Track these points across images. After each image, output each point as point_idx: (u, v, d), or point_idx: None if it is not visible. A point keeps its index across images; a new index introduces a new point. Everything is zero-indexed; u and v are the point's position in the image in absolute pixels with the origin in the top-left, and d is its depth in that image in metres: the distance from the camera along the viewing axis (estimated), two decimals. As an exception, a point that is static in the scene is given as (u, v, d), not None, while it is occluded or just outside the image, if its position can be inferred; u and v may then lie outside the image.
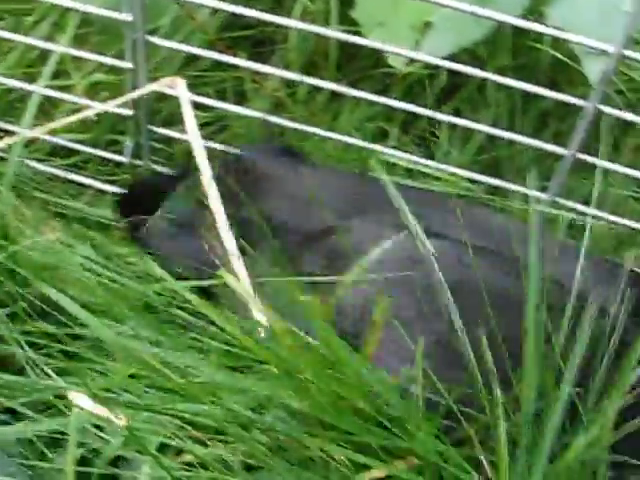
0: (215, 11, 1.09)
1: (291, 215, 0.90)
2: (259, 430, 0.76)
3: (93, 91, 1.07)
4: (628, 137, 1.17)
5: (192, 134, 0.94)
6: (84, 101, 1.03)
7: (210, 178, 0.91)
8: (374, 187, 0.87)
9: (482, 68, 0.94)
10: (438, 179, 1.04)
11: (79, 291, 0.85)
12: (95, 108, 1.01)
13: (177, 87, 0.97)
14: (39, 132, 1.00)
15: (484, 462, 0.74)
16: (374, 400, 0.74)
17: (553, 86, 0.94)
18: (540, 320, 0.75)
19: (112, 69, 1.05)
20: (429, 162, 1.03)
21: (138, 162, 1.08)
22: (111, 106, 0.99)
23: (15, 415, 0.81)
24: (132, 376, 0.80)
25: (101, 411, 0.71)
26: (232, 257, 0.87)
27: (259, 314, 0.80)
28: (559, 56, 1.13)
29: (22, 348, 0.83)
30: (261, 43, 1.15)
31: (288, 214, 0.90)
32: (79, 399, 0.71)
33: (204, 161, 0.92)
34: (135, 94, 0.99)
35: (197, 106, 1.04)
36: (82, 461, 0.77)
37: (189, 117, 0.95)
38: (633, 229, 1.06)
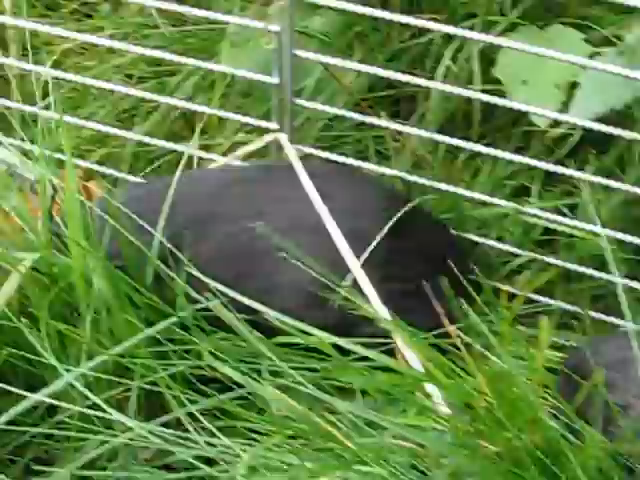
0: (359, 72, 1.10)
1: None
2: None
3: (233, 150, 1.09)
4: None
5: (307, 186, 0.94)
6: (222, 158, 1.05)
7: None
8: None
9: (631, 126, 0.92)
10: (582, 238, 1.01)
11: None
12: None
13: (282, 141, 1.00)
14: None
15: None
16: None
17: None
18: None
19: (254, 129, 1.07)
20: (567, 221, 1.00)
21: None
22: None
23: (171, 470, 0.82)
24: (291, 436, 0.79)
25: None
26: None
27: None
28: None
29: (183, 405, 0.84)
30: (402, 100, 1.15)
31: None
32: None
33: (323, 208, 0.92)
34: (243, 150, 1.03)
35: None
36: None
37: (299, 168, 0.96)
38: None
